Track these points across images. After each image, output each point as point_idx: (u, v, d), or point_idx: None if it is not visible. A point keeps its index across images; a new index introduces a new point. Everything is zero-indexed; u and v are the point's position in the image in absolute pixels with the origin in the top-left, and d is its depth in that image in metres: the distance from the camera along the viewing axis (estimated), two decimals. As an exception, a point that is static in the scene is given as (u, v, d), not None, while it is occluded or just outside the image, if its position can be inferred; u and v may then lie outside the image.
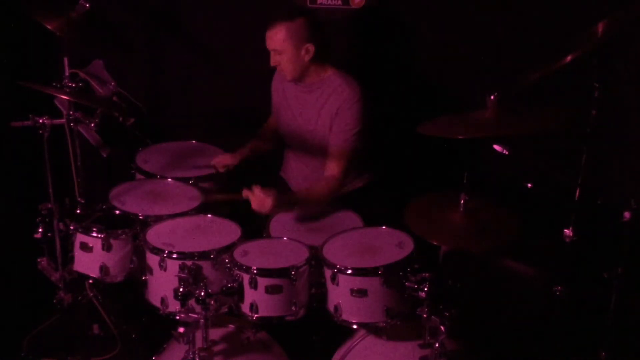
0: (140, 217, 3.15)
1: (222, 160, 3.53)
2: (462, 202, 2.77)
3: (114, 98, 3.58)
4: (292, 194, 3.41)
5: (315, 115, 3.39)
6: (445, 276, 2.95)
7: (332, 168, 3.35)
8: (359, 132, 3.33)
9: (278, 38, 3.24)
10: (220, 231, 3.05)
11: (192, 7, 3.93)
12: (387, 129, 3.77)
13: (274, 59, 3.31)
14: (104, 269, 3.07)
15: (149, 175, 3.51)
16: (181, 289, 2.70)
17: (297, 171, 3.59)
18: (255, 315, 2.81)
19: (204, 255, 2.87)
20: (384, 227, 3.04)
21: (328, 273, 2.82)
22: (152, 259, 2.93)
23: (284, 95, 3.54)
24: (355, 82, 3.36)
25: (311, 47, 3.27)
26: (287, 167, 3.68)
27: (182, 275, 2.77)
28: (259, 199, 3.08)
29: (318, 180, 3.38)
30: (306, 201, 3.30)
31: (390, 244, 2.91)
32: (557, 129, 2.77)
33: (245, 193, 3.12)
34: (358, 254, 2.87)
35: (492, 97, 2.71)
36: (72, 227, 3.12)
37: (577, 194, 2.90)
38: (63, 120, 3.37)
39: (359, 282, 2.76)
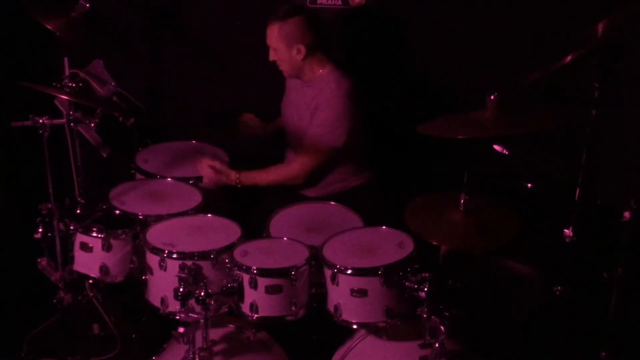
0: (140, 217, 3.15)
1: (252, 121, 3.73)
2: (462, 202, 2.77)
3: (114, 98, 3.58)
4: (238, 175, 3.44)
5: (307, 112, 3.40)
6: (445, 276, 2.95)
7: (300, 163, 3.41)
8: (340, 131, 3.32)
9: (273, 36, 3.32)
10: (220, 231, 3.05)
11: (192, 7, 3.92)
12: (387, 129, 3.76)
13: (271, 55, 3.39)
14: (104, 269, 3.06)
15: (149, 175, 3.51)
16: (181, 289, 2.70)
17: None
18: (255, 315, 2.81)
19: (204, 255, 2.87)
20: (384, 227, 3.04)
21: (328, 273, 2.81)
22: (152, 259, 2.93)
23: (288, 90, 3.57)
24: (345, 79, 3.36)
25: (302, 48, 3.31)
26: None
27: (182, 275, 2.77)
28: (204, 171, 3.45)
29: (286, 163, 3.51)
30: (251, 184, 3.43)
31: (390, 244, 2.91)
32: (557, 129, 2.76)
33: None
34: (358, 254, 2.87)
35: (492, 97, 2.71)
36: (72, 227, 3.11)
37: (577, 194, 2.90)
38: (63, 120, 3.36)
39: (359, 282, 2.76)
